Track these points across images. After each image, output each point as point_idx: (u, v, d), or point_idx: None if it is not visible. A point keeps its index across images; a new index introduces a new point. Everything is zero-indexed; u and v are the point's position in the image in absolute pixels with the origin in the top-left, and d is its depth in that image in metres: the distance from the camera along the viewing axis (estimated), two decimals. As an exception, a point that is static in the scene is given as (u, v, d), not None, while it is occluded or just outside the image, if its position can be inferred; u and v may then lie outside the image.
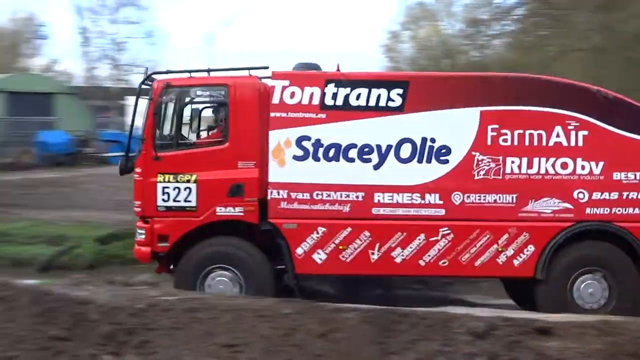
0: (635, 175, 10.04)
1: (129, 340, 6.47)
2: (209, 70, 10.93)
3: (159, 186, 10.20)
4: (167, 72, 11.12)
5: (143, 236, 10.22)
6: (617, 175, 10.05)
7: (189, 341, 6.49)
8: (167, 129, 10.53)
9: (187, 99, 10.58)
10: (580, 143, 10.09)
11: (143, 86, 10.52)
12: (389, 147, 10.20)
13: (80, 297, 6.70)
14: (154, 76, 10.72)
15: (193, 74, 10.60)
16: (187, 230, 10.19)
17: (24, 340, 6.14)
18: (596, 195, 10.06)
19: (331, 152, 10.24)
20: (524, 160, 10.13)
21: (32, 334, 6.21)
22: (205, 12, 68.83)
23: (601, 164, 10.06)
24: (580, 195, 10.09)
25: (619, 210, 10.05)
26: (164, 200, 10.19)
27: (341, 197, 10.26)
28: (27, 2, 74.13)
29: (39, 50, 51.75)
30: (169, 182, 10.24)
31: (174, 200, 10.24)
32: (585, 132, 10.09)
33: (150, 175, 10.23)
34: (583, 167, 10.09)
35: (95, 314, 6.54)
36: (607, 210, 10.07)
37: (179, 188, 10.26)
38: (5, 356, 5.99)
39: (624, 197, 10.02)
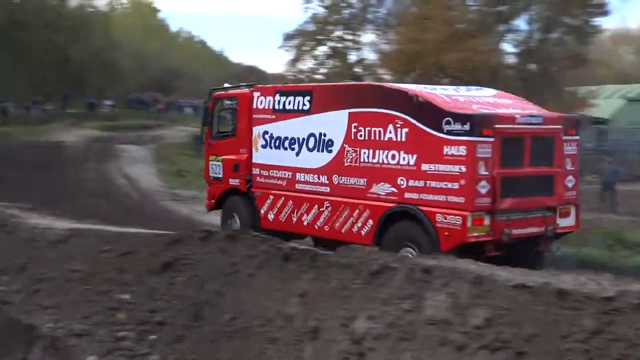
0: (435, 166, 11.65)
1: None
2: (238, 86, 16.34)
3: (210, 164, 15.77)
4: (219, 88, 16.72)
5: (207, 196, 16.28)
6: (424, 166, 11.82)
7: None
8: (214, 126, 16.02)
9: (222, 106, 16.00)
10: (403, 138, 12.14)
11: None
12: (303, 139, 13.78)
13: None
14: (214, 91, 16.51)
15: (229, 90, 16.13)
16: (220, 192, 15.56)
17: None
18: (411, 183, 12.00)
19: (277, 143, 14.29)
20: (370, 151, 12.65)
21: None
22: None
23: (415, 156, 11.94)
24: (401, 182, 12.14)
25: (423, 196, 11.84)
26: (211, 173, 15.74)
27: (280, 175, 14.29)
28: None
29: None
30: (213, 161, 15.67)
31: (215, 173, 15.67)
32: (407, 130, 12.08)
33: (208, 156, 15.91)
34: (404, 159, 12.11)
35: None
36: (416, 196, 11.93)
37: (216, 165, 15.62)
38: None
39: (427, 185, 11.77)
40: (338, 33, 45.04)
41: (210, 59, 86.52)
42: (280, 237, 10.83)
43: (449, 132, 11.55)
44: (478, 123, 11.39)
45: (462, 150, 11.42)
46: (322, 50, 44.95)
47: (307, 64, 45.16)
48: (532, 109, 13.04)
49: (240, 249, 8.39)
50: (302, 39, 44.30)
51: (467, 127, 11.38)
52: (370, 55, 46.10)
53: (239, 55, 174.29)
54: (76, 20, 57.09)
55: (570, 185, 12.64)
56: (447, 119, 11.61)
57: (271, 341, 7.18)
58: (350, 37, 44.96)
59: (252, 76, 61.27)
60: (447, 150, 11.56)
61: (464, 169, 11.41)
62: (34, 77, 51.50)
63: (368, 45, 45.36)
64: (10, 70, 48.92)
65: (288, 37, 44.64)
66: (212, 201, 15.81)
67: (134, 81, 63.96)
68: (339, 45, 45.24)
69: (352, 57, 46.04)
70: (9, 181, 23.41)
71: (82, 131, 39.42)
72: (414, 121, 11.97)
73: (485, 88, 14.69)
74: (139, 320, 8.10)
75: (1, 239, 11.08)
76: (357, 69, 45.39)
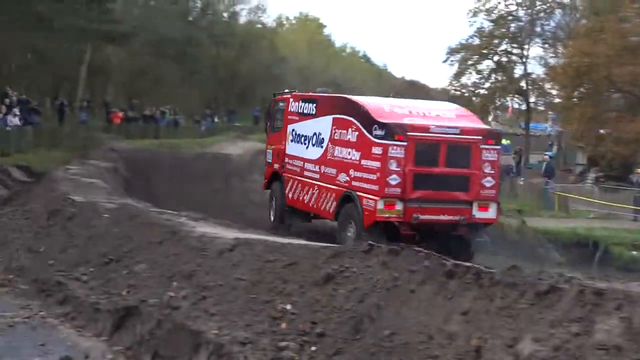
0: (368, 162, 15.77)
1: None
2: (292, 92, 20.35)
3: (267, 151, 21.17)
4: (280, 93, 21.74)
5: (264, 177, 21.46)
6: (362, 162, 15.92)
7: None
8: (272, 122, 20.89)
9: (278, 107, 20.52)
10: (355, 139, 16.28)
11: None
12: (310, 136, 18.09)
13: None
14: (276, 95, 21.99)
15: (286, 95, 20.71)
16: (269, 174, 20.55)
17: None
18: (356, 174, 16.13)
19: (298, 138, 18.69)
20: (339, 148, 16.83)
21: None
22: None
23: (359, 153, 16.08)
24: (351, 172, 16.30)
25: (360, 185, 15.96)
26: (267, 158, 21.06)
27: (297, 164, 18.70)
28: None
29: None
30: (269, 149, 20.82)
31: (268, 159, 20.81)
32: (357, 133, 16.23)
33: (267, 146, 21.20)
34: (354, 155, 16.26)
35: None
36: (358, 184, 16.05)
37: (269, 152, 20.76)
38: None
39: (362, 176, 15.89)
40: (504, 47, 44.29)
41: (373, 73, 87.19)
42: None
43: (376, 136, 15.52)
44: (391, 130, 15.31)
45: (380, 150, 15.37)
46: (486, 64, 44.37)
47: (470, 78, 44.68)
48: (477, 123, 16.83)
49: (402, 264, 8.33)
50: (466, 53, 43.88)
51: (384, 132, 15.33)
52: (536, 69, 45.00)
53: (402, 69, 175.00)
54: (245, 37, 59.13)
55: (488, 185, 15.79)
56: (375, 125, 15.55)
57: (432, 359, 7.06)
58: (516, 50, 44.12)
59: (413, 90, 61.34)
60: (374, 150, 15.52)
61: (379, 164, 15.36)
62: (205, 91, 53.62)
63: (535, 59, 44.35)
64: (183, 85, 51.23)
65: (452, 50, 44.40)
66: (265, 181, 21.08)
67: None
68: (504, 59, 44.47)
69: (518, 71, 45.09)
70: (179, 191, 24.45)
71: (246, 143, 40.61)
72: (360, 126, 16.02)
73: (450, 104, 19.46)
74: (300, 330, 8.18)
75: (171, 246, 11.52)
76: (522, 84, 44.40)
